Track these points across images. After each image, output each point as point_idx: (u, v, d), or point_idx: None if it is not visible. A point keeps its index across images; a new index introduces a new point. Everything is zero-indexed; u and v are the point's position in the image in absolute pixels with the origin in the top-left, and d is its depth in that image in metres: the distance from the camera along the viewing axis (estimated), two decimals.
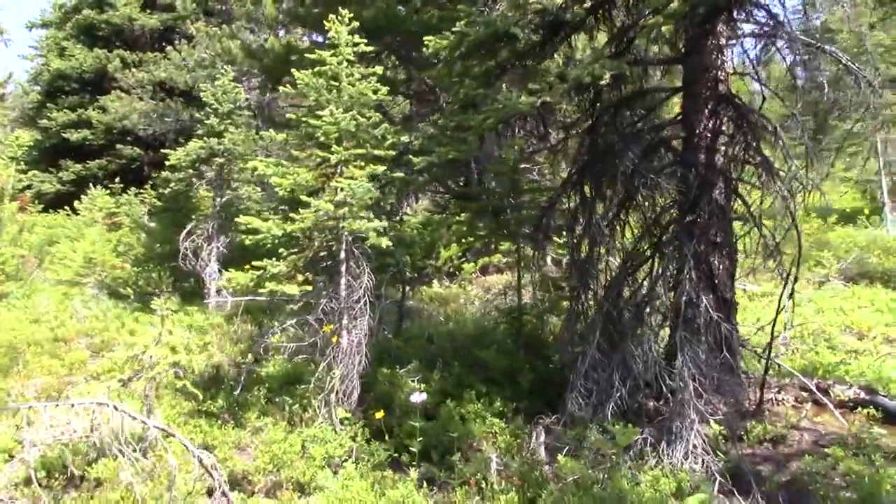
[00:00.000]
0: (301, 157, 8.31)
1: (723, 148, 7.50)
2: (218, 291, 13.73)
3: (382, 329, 10.05)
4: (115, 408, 5.55)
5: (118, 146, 25.12)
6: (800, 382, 8.02)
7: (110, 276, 14.84)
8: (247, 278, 7.79)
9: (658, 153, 7.99)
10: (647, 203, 7.93)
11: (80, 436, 5.92)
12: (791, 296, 7.34)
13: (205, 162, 14.00)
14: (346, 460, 6.69)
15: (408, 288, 11.95)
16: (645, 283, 7.78)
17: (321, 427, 7.19)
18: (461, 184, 15.26)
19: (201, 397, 7.93)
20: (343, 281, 7.83)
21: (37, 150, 27.98)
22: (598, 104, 8.33)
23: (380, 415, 7.12)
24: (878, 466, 6.07)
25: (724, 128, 7.51)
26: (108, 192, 22.02)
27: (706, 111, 7.49)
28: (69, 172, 25.60)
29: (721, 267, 7.41)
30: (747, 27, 7.91)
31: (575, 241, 8.08)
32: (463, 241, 12.86)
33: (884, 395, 7.75)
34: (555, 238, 10.50)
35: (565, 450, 6.52)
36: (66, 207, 22.48)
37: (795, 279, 7.25)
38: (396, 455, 6.89)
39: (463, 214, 11.57)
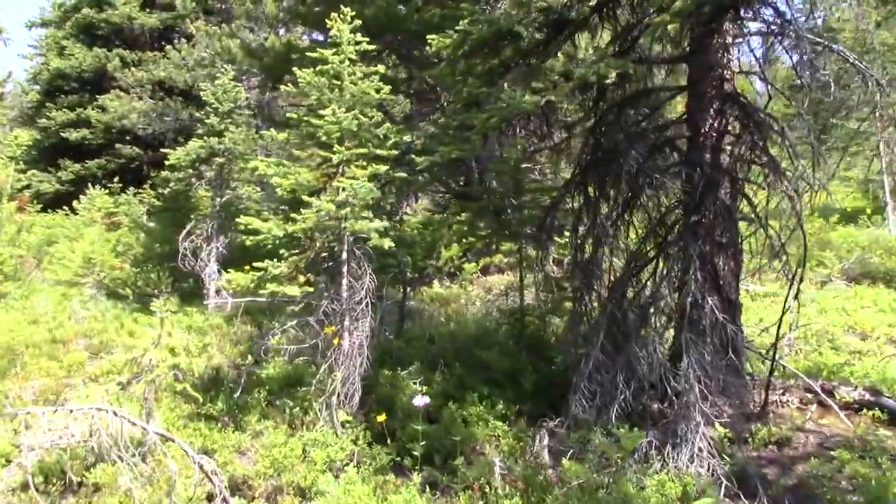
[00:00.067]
0: (302, 157, 8.24)
1: (728, 147, 7.43)
2: (217, 292, 13.64)
3: (384, 330, 9.98)
4: (115, 413, 5.48)
5: (117, 146, 25.00)
6: (804, 384, 7.95)
7: (109, 276, 14.74)
8: (247, 279, 7.72)
9: (663, 153, 7.93)
10: (651, 203, 7.87)
11: (79, 440, 5.85)
12: (796, 297, 7.27)
13: (205, 161, 13.91)
14: (347, 464, 6.61)
15: (409, 288, 11.86)
16: (649, 283, 7.73)
17: (322, 430, 7.11)
18: (462, 183, 15.20)
19: (201, 400, 7.86)
20: (344, 282, 7.76)
21: (36, 149, 27.87)
22: (602, 103, 8.27)
23: (381, 418, 7.05)
24: (885, 469, 6.02)
25: (730, 127, 7.45)
26: (107, 191, 21.88)
27: (712, 110, 7.42)
28: (68, 172, 25.48)
29: (726, 268, 7.34)
30: (753, 25, 7.87)
31: (578, 241, 8.01)
32: (464, 240, 12.80)
33: (889, 397, 7.69)
34: (556, 238, 10.43)
35: (569, 453, 6.44)
36: (64, 207, 22.35)
37: (801, 280, 7.18)
38: (398, 459, 6.81)
39: (464, 214, 11.51)
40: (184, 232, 13.84)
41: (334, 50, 7.85)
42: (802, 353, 9.50)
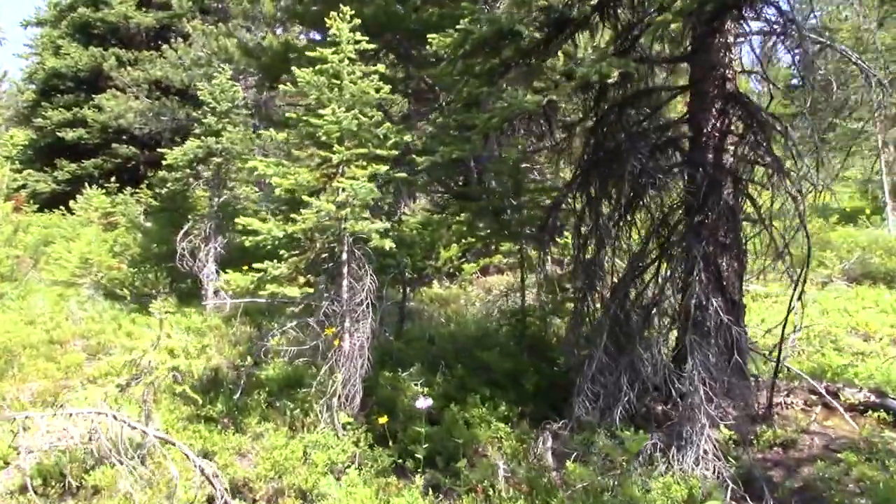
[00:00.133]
0: (302, 157, 8.17)
1: (731, 147, 7.39)
2: (216, 292, 13.56)
3: (384, 331, 9.92)
4: (115, 417, 5.42)
5: (114, 145, 24.92)
6: (808, 385, 7.90)
7: (106, 276, 14.66)
8: (247, 280, 7.66)
9: (665, 153, 7.88)
10: (654, 203, 7.82)
11: (78, 443, 5.79)
12: (800, 297, 7.22)
13: (202, 161, 13.82)
14: (348, 466, 6.55)
15: (408, 289, 11.81)
16: (651, 284, 7.68)
17: (323, 432, 7.05)
18: (461, 183, 15.15)
19: (200, 402, 7.80)
20: (345, 283, 7.70)
21: (31, 149, 27.75)
22: (603, 103, 8.22)
23: (383, 420, 6.99)
24: (892, 472, 5.97)
25: (732, 127, 7.40)
26: (103, 191, 21.80)
27: (714, 110, 7.37)
28: (64, 172, 25.38)
29: (730, 269, 7.30)
30: (755, 25, 7.81)
31: (581, 241, 7.96)
32: (463, 241, 12.74)
33: (894, 399, 7.63)
34: (556, 238, 10.38)
35: (573, 455, 6.38)
36: (61, 207, 22.24)
37: (804, 281, 7.14)
38: (400, 461, 6.74)
39: (463, 214, 11.45)
40: (181, 232, 13.75)
41: (333, 49, 7.79)
42: (805, 355, 9.46)
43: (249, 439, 7.31)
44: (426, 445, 6.53)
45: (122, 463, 5.57)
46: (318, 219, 7.32)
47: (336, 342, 7.53)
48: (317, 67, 7.77)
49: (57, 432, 5.83)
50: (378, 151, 7.78)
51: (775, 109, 8.94)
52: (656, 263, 7.66)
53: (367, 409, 7.75)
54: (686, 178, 7.47)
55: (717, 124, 7.35)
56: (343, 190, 7.33)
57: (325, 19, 8.03)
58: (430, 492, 6.11)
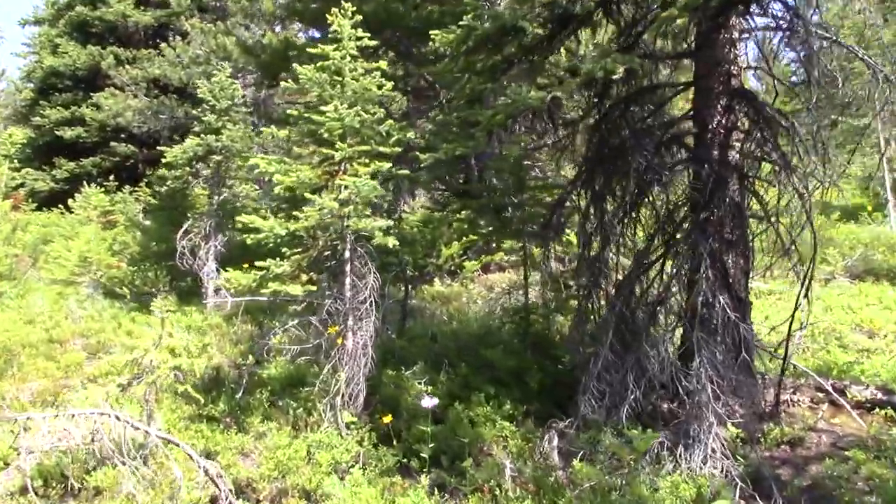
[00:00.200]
0: (304, 154, 8.11)
1: (737, 144, 7.33)
2: (216, 291, 13.50)
3: (386, 329, 9.85)
4: (118, 418, 5.36)
5: (112, 144, 24.88)
6: (815, 383, 7.86)
7: (106, 275, 14.61)
8: (249, 278, 7.60)
9: (670, 150, 7.82)
10: (659, 200, 7.77)
11: (80, 444, 5.72)
12: (807, 294, 7.17)
13: (202, 159, 13.77)
14: (352, 466, 6.50)
15: (410, 287, 11.75)
16: (657, 281, 7.63)
17: (327, 432, 6.99)
18: (462, 181, 15.10)
19: (202, 401, 7.74)
20: (348, 281, 7.64)
21: (30, 147, 27.67)
22: (606, 100, 8.17)
23: (387, 419, 6.93)
24: None
25: (738, 123, 7.34)
26: (102, 190, 21.76)
27: (719, 106, 7.32)
28: (63, 170, 25.34)
29: (736, 266, 7.24)
30: (760, 20, 7.76)
31: (585, 238, 7.90)
32: (464, 238, 12.69)
33: None
34: (560, 236, 10.32)
35: (579, 454, 6.32)
36: (60, 206, 22.20)
37: (811, 278, 7.09)
38: (405, 460, 6.69)
39: (464, 212, 11.39)
40: (181, 230, 13.69)
41: (335, 46, 7.73)
42: (810, 352, 9.41)
43: (252, 439, 7.25)
44: (431, 445, 6.48)
45: (124, 464, 5.51)
46: (321, 216, 7.27)
47: (339, 340, 7.47)
48: (318, 64, 7.71)
49: (58, 433, 5.77)
50: (381, 148, 7.73)
51: (777, 106, 8.89)
52: (661, 260, 7.60)
53: (371, 408, 7.68)
54: (691, 174, 7.43)
55: (723, 121, 7.31)
56: (346, 187, 7.27)
57: (326, 16, 7.98)
58: (436, 491, 6.06)
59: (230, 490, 5.62)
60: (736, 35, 7.49)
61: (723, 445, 6.24)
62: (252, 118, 17.88)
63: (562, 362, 8.78)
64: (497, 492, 5.84)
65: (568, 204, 8.43)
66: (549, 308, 9.68)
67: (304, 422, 7.38)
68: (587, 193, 8.02)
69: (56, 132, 25.27)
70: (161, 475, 6.00)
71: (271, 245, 7.60)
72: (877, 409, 7.41)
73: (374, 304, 7.69)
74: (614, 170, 7.79)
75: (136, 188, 22.15)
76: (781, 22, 7.37)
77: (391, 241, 7.45)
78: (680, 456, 6.19)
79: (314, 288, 7.59)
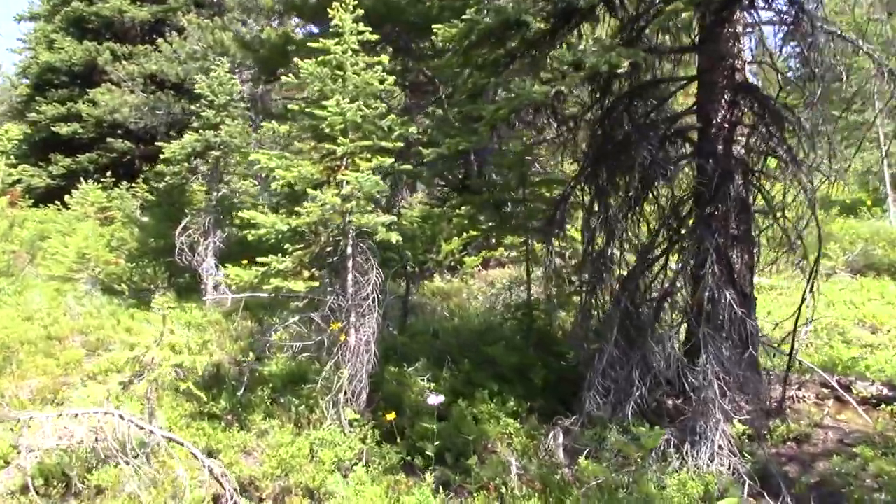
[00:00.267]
0: (305, 150, 8.04)
1: (742, 138, 7.28)
2: (215, 287, 13.42)
3: (387, 325, 9.80)
4: (122, 416, 5.30)
5: (109, 140, 24.76)
6: (820, 378, 7.82)
7: (104, 271, 14.51)
8: (250, 275, 7.52)
9: (675, 144, 7.77)
10: (663, 195, 7.72)
11: (83, 442, 5.67)
12: (812, 290, 7.13)
13: (200, 155, 13.68)
14: (356, 464, 6.43)
15: (411, 283, 11.69)
16: (661, 276, 7.59)
17: (330, 429, 6.93)
18: (461, 176, 15.05)
19: (204, 399, 7.68)
20: (350, 277, 7.58)
21: (26, 143, 27.53)
22: (609, 94, 8.11)
23: (391, 416, 6.86)
24: None
25: (743, 118, 7.29)
26: (99, 186, 21.66)
27: (723, 100, 7.27)
28: (59, 166, 25.20)
29: (741, 261, 7.20)
30: (765, 14, 7.71)
31: (589, 234, 7.84)
32: (464, 234, 12.65)
33: None
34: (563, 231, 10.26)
35: (585, 452, 6.28)
36: (56, 202, 22.09)
37: (816, 273, 7.04)
38: (409, 458, 6.65)
39: (464, 208, 11.34)
40: (180, 226, 13.60)
41: (336, 40, 7.66)
42: (814, 347, 9.37)
43: (254, 437, 7.19)
44: (436, 442, 6.42)
45: (127, 462, 5.46)
46: (323, 212, 7.21)
47: (342, 337, 7.41)
48: (320, 59, 7.64)
49: (60, 431, 5.72)
50: (383, 143, 7.65)
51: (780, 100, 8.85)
52: (666, 256, 7.55)
53: (374, 405, 7.62)
54: (696, 169, 7.37)
55: (727, 115, 7.25)
56: (348, 183, 7.20)
57: (325, 11, 7.90)
58: (441, 489, 6.01)
59: (234, 489, 5.56)
60: (740, 29, 7.44)
61: (730, 442, 6.20)
62: (250, 114, 17.78)
63: (565, 359, 8.73)
64: (503, 490, 5.80)
65: (571, 199, 8.36)
66: (552, 304, 9.63)
67: (307, 419, 7.33)
68: (591, 189, 7.97)
69: (52, 128, 25.15)
70: (164, 474, 5.94)
71: (272, 241, 7.54)
72: (882, 406, 7.37)
73: (376, 300, 7.63)
74: (618, 165, 7.74)
75: (133, 184, 22.04)
76: (786, 16, 7.32)
77: (394, 237, 7.39)
78: (686, 453, 6.15)
79: (316, 284, 7.52)
